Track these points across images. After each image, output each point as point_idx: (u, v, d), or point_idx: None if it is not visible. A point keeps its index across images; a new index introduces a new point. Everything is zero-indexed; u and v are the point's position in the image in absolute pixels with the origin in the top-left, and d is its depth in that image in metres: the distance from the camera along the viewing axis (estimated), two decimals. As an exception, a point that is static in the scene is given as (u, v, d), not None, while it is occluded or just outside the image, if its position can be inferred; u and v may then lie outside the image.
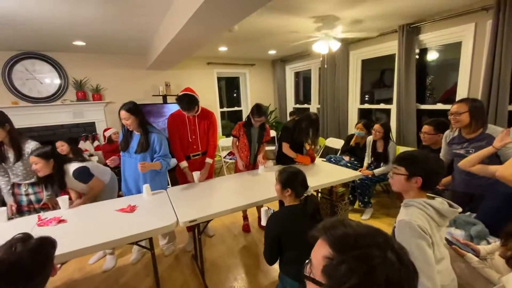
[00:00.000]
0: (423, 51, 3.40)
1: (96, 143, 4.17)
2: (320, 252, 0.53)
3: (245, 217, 2.88)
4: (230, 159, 4.54)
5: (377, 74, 4.18)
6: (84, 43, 3.42)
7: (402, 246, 0.53)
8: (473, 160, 1.73)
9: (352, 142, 3.32)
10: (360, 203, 2.88)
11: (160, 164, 2.13)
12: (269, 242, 1.41)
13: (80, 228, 1.62)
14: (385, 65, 3.99)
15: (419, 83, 3.31)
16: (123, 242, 1.56)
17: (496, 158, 1.74)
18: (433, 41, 3.18)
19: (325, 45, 3.09)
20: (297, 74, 5.70)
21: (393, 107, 3.67)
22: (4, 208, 1.77)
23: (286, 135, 2.63)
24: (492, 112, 2.58)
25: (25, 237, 0.86)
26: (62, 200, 1.88)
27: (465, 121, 1.81)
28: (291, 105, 5.77)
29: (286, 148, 2.63)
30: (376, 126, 2.87)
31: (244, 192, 2.12)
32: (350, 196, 2.99)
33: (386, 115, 4.01)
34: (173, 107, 4.27)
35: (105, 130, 3.81)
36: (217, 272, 2.18)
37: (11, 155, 1.96)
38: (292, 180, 1.46)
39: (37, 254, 0.84)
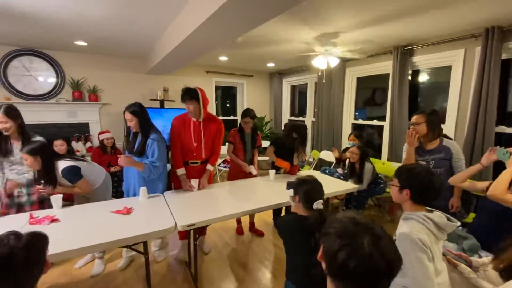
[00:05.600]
0: (416, 72, 3.58)
1: (88, 144, 4.09)
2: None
3: (239, 221, 2.96)
4: (224, 167, 4.54)
5: (368, 92, 4.34)
6: (85, 44, 3.42)
7: (383, 233, 0.69)
8: (463, 176, 1.82)
9: (341, 156, 3.40)
10: (353, 216, 2.91)
11: (143, 166, 2.02)
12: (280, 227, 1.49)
13: (73, 229, 1.57)
14: (377, 84, 4.16)
15: (411, 102, 3.46)
16: (118, 245, 1.52)
17: (450, 169, 1.99)
18: (425, 64, 3.36)
19: (324, 60, 3.20)
20: (293, 88, 5.83)
21: (386, 124, 3.80)
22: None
23: (273, 141, 2.83)
24: (480, 133, 2.71)
25: (17, 232, 0.82)
26: (55, 199, 1.83)
27: (423, 131, 2.01)
28: (286, 117, 5.86)
29: (269, 151, 2.77)
30: (353, 149, 2.92)
31: (241, 199, 2.13)
32: (344, 208, 3.02)
33: (376, 132, 4.16)
34: (171, 112, 4.26)
35: (100, 133, 3.74)
36: (209, 280, 2.14)
37: (16, 148, 1.96)
38: (314, 195, 1.40)
39: (31, 248, 0.80)
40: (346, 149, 3.55)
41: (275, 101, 5.87)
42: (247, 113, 2.63)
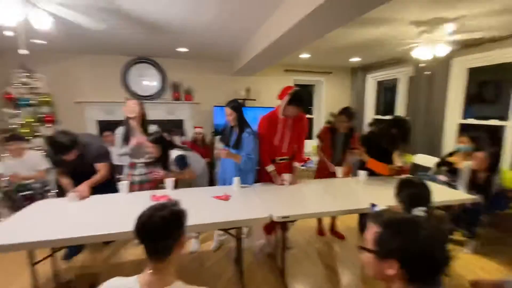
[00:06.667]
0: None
1: (183, 138, 4.68)
2: (371, 231, 0.77)
3: (319, 221, 2.87)
4: (302, 165, 4.48)
5: (475, 87, 3.58)
6: (187, 50, 3.90)
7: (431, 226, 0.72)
8: None
9: (451, 160, 2.87)
10: (465, 232, 2.43)
11: (240, 158, 2.21)
12: None
13: (186, 208, 1.80)
14: (490, 76, 3.40)
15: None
16: (222, 226, 1.72)
17: None
18: None
19: (428, 50, 2.79)
20: (379, 84, 5.33)
21: (510, 124, 3.06)
22: (127, 181, 2.12)
23: (364, 140, 2.60)
24: None
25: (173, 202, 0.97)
26: (169, 181, 2.14)
27: None
28: (370, 115, 5.40)
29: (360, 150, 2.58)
30: (481, 155, 2.39)
31: (330, 198, 2.06)
32: (451, 224, 2.55)
33: (484, 133, 3.41)
34: (252, 110, 4.46)
35: (195, 128, 4.26)
36: (294, 275, 2.14)
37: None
38: (416, 201, 1.27)
39: (184, 216, 0.93)
40: (452, 153, 3.03)
41: (357, 99, 5.48)
42: (342, 111, 2.53)
